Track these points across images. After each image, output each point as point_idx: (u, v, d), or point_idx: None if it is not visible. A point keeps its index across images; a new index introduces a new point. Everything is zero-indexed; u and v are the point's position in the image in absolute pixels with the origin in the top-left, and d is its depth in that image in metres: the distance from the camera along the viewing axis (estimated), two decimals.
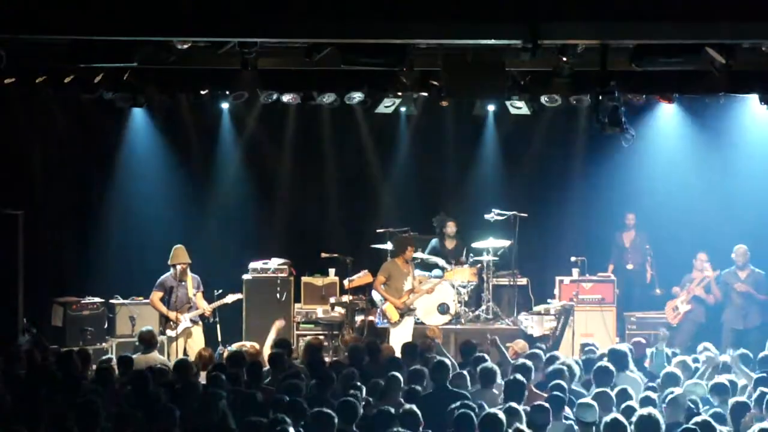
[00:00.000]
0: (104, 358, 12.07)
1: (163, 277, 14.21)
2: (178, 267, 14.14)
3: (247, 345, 12.40)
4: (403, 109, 16.09)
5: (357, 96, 15.26)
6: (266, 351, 11.89)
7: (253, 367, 10.35)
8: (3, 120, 15.09)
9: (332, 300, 15.67)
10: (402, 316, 14.47)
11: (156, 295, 14.09)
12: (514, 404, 8.28)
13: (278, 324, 12.90)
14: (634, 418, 7.76)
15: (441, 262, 15.78)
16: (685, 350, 14.04)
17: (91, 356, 11.93)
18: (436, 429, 8.38)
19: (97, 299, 15.00)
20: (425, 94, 15.21)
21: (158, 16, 11.52)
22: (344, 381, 9.66)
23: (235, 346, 12.35)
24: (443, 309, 15.43)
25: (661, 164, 16.80)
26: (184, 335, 14.05)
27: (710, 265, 15.04)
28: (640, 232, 16.36)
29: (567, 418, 8.69)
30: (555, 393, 8.87)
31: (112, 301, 15.10)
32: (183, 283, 14.16)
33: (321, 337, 14.47)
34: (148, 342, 11.91)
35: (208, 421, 8.26)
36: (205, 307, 14.19)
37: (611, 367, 10.05)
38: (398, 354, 11.72)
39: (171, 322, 13.92)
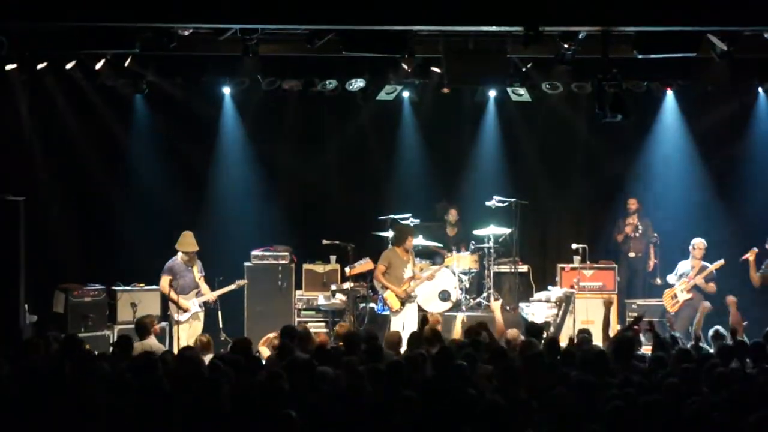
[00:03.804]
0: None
1: (170, 261, 14.22)
2: (186, 253, 14.16)
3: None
4: (406, 94, 16.12)
5: (358, 83, 15.28)
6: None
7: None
8: (5, 106, 15.08)
9: (333, 287, 15.68)
10: (403, 304, 14.48)
11: (165, 280, 14.11)
12: None
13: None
14: None
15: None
16: (684, 335, 14.09)
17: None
18: None
19: (98, 286, 15.00)
20: (426, 81, 15.22)
21: (160, 2, 11.54)
22: None
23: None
24: (444, 296, 15.45)
25: (662, 151, 16.79)
26: (192, 320, 14.09)
27: (702, 253, 14.95)
28: (643, 219, 16.33)
29: None
30: None
31: (113, 287, 15.10)
32: (189, 268, 14.19)
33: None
34: (144, 329, 11.91)
35: (210, 407, 8.26)
36: (210, 293, 14.22)
37: None
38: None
39: (179, 307, 13.95)
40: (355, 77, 15.18)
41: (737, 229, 16.02)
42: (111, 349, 11.69)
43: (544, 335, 13.52)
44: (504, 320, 13.46)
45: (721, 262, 14.69)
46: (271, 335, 12.11)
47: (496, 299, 14.98)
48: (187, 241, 14.27)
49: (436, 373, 9.44)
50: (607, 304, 12.25)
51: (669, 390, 8.41)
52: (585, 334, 11.66)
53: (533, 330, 11.52)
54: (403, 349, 11.23)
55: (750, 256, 14.41)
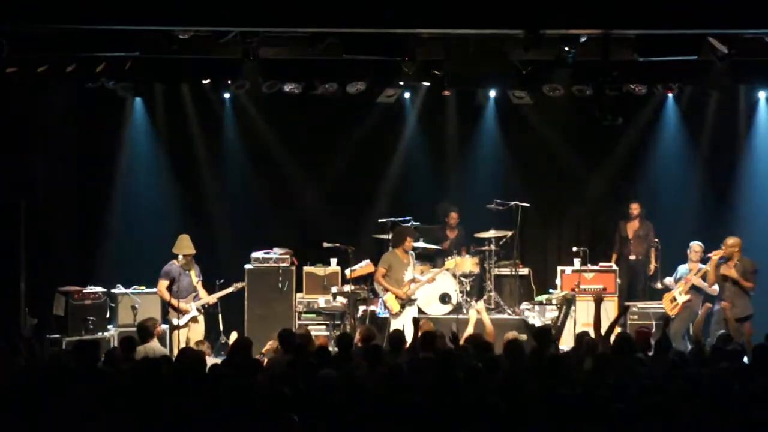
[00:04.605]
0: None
1: (167, 265, 14.20)
2: (183, 256, 14.15)
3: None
4: (407, 95, 16.11)
5: (359, 86, 15.28)
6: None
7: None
8: (5, 109, 15.07)
9: (334, 290, 15.67)
10: (403, 306, 14.47)
11: (163, 284, 14.09)
12: None
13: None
14: None
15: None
16: (681, 338, 14.09)
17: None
18: None
19: (99, 289, 14.97)
20: (427, 83, 15.22)
21: (160, 5, 11.54)
22: None
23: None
24: (445, 299, 15.45)
25: (663, 154, 16.79)
26: (191, 323, 14.07)
27: (699, 256, 14.90)
28: (645, 223, 16.31)
29: None
30: None
31: (114, 290, 15.08)
32: (187, 271, 14.18)
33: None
34: (146, 332, 11.90)
35: (210, 409, 8.26)
36: (208, 297, 14.22)
37: None
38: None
39: (178, 311, 13.92)
40: (356, 80, 15.19)
41: (739, 232, 15.97)
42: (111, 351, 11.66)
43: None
44: (504, 323, 13.46)
45: (714, 259, 14.60)
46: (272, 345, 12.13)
47: (476, 301, 14.99)
48: (184, 245, 14.26)
49: (438, 376, 9.43)
50: (597, 301, 12.23)
51: (670, 392, 8.41)
52: (585, 336, 11.64)
53: (541, 334, 11.48)
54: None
55: (715, 255, 14.34)
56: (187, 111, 16.23)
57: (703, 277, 14.49)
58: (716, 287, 14.45)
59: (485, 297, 15.80)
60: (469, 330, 12.45)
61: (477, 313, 12.84)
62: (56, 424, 8.23)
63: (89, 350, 10.34)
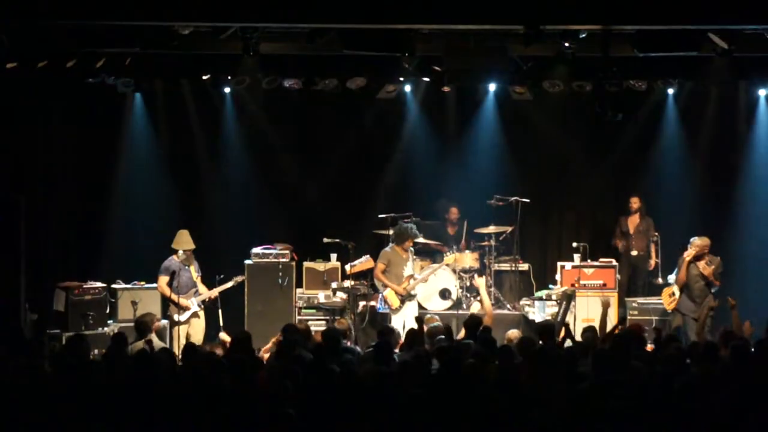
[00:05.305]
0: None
1: (167, 261, 14.21)
2: (183, 252, 14.15)
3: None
4: (408, 89, 16.09)
5: (359, 81, 15.27)
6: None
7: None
8: (5, 104, 15.06)
9: (334, 285, 15.66)
10: (403, 302, 14.48)
11: (163, 280, 14.10)
12: None
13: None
14: None
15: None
16: (681, 333, 14.08)
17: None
18: None
19: (99, 284, 14.98)
20: (427, 79, 15.21)
21: (160, 1, 11.54)
22: None
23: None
24: (445, 294, 15.45)
25: (662, 150, 16.79)
26: (192, 319, 14.07)
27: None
28: (645, 218, 16.30)
29: None
30: None
31: (114, 285, 15.09)
32: (186, 267, 14.18)
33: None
34: (144, 327, 11.91)
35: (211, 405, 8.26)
36: (208, 292, 14.22)
37: None
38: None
39: (179, 307, 13.92)
40: (356, 75, 15.18)
41: (739, 228, 16.01)
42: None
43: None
44: (504, 319, 13.46)
45: (686, 260, 14.56)
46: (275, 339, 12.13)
47: (480, 275, 15.01)
48: (184, 240, 14.26)
49: (441, 371, 9.43)
50: (605, 305, 12.23)
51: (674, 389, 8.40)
52: (588, 333, 11.64)
53: (544, 330, 11.47)
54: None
55: (687, 256, 14.35)
56: (187, 107, 16.22)
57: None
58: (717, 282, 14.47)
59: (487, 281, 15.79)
60: (484, 298, 12.52)
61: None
62: (55, 422, 8.24)
63: (75, 346, 10.35)
